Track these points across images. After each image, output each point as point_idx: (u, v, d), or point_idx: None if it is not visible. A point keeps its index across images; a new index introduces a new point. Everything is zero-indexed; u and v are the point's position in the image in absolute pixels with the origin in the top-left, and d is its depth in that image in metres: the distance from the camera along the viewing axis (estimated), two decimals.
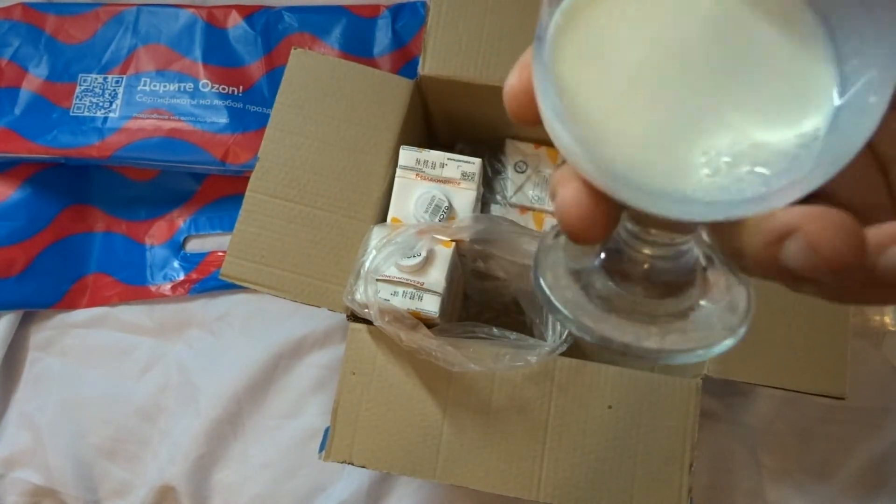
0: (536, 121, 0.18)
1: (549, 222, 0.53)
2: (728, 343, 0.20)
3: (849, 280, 0.16)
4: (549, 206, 0.53)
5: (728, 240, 0.17)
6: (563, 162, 0.18)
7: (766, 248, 0.16)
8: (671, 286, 0.21)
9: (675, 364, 0.21)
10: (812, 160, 0.15)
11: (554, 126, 0.17)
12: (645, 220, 0.19)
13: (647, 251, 0.20)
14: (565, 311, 0.20)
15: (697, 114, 0.16)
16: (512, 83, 0.19)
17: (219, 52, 0.62)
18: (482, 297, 0.56)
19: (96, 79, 0.62)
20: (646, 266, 0.21)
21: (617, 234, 0.20)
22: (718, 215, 0.16)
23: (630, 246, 0.20)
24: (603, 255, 0.22)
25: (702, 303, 0.21)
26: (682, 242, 0.20)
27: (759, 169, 0.15)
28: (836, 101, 0.16)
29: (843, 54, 0.16)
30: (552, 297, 0.21)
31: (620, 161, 0.16)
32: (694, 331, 0.21)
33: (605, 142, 0.16)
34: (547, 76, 0.17)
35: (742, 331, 0.20)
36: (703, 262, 0.22)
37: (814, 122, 0.16)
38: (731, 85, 0.16)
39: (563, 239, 0.23)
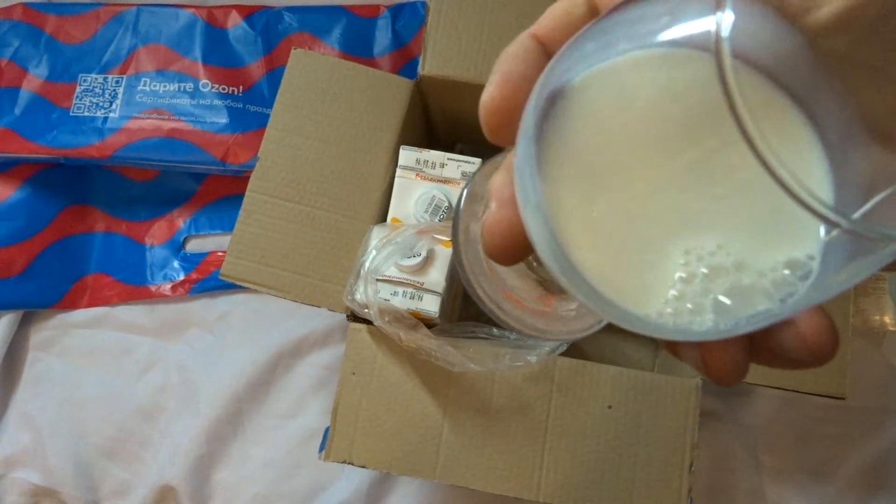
0: (512, 140, 0.17)
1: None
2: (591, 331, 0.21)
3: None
4: None
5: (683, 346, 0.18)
6: (503, 162, 0.18)
7: (670, 347, 0.18)
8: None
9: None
10: (790, 300, 0.14)
11: (522, 162, 0.16)
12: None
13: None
14: (467, 268, 0.21)
15: (677, 225, 0.15)
16: (492, 95, 0.17)
17: (219, 52, 0.62)
18: None
19: (96, 79, 0.62)
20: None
21: None
22: (663, 335, 0.15)
23: None
24: None
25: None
26: None
27: (725, 300, 0.15)
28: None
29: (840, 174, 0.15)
30: (462, 250, 0.21)
31: (579, 250, 0.15)
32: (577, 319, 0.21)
33: (567, 222, 0.15)
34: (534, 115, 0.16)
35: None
36: None
37: (806, 251, 0.14)
38: (718, 200, 0.15)
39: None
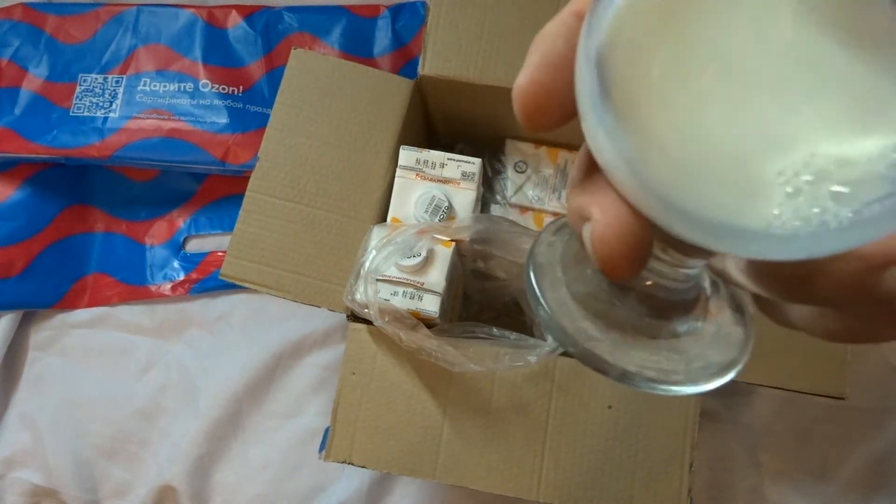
0: (553, 125, 0.16)
1: (549, 222, 0.53)
2: (718, 382, 0.18)
3: None
4: (549, 207, 0.53)
5: (788, 266, 0.15)
6: (588, 172, 0.16)
7: (861, 277, 0.14)
8: (669, 308, 0.19)
9: (653, 393, 0.19)
10: None
11: (598, 137, 0.14)
12: (683, 247, 0.17)
13: (655, 266, 0.18)
14: (547, 309, 0.19)
15: (772, 130, 0.13)
16: (530, 79, 0.16)
17: (219, 52, 0.62)
18: (482, 297, 0.56)
19: (96, 79, 0.62)
20: (648, 283, 0.19)
21: None
22: (800, 253, 0.13)
23: None
24: None
25: (698, 329, 0.20)
26: (694, 265, 0.18)
27: (842, 189, 0.13)
28: None
29: None
30: (538, 292, 0.19)
31: (681, 188, 0.14)
32: (682, 361, 0.19)
33: (663, 162, 0.14)
34: (594, 73, 0.14)
35: (737, 369, 0.18)
36: (708, 289, 0.20)
37: None
38: (808, 96, 0.13)
39: (562, 236, 0.21)
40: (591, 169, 0.16)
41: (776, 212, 0.13)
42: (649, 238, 0.15)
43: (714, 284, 0.20)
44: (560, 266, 0.20)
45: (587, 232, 0.15)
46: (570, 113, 0.16)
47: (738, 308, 0.20)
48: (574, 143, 0.54)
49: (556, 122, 0.16)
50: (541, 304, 0.19)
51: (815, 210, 0.13)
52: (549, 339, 0.42)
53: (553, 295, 0.19)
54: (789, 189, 0.13)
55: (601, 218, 0.15)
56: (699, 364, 0.19)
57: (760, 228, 0.13)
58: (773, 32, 0.14)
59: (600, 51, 0.14)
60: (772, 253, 0.14)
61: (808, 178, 0.13)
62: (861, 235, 0.13)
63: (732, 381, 0.19)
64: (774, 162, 0.13)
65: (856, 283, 0.14)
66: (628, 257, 0.15)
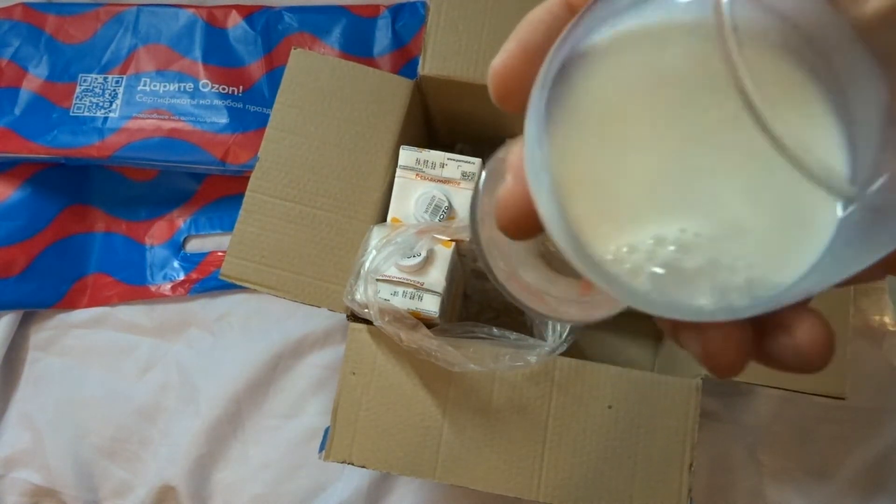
0: (523, 107, 0.17)
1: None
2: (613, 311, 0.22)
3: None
4: None
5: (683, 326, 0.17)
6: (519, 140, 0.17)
7: (677, 333, 0.17)
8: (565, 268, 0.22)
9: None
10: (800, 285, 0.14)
11: (532, 144, 0.16)
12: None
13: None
14: (483, 247, 0.22)
15: (675, 202, 0.15)
16: (504, 63, 0.17)
17: (219, 52, 0.62)
18: (482, 297, 0.56)
19: (96, 79, 0.62)
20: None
21: None
22: (669, 313, 0.15)
23: None
24: None
25: None
26: None
27: (658, 271, 0.15)
28: (840, 213, 0.14)
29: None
30: (479, 228, 0.22)
31: (584, 229, 0.15)
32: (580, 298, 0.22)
33: (573, 202, 0.15)
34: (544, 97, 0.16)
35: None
36: None
37: (816, 247, 0.14)
38: (729, 181, 0.15)
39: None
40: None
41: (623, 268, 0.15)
42: (537, 222, 0.16)
43: None
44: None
45: (499, 189, 0.17)
46: None
47: None
48: None
49: (525, 106, 0.17)
50: (476, 210, 0.22)
51: (681, 283, 0.15)
52: (549, 339, 0.42)
53: (485, 235, 0.22)
54: (629, 255, 0.15)
55: (510, 184, 0.17)
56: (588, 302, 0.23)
57: (629, 285, 0.15)
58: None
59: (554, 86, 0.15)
60: (629, 299, 0.16)
61: (640, 254, 0.15)
62: (705, 316, 0.15)
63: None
64: (681, 220, 0.15)
65: (664, 325, 0.17)
66: (517, 227, 0.17)
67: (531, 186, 0.16)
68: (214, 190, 0.64)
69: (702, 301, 0.15)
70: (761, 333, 0.16)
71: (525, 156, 0.16)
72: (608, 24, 0.15)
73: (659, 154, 0.15)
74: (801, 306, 0.16)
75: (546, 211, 0.16)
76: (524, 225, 0.17)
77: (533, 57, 0.16)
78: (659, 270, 0.15)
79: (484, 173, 0.22)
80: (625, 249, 0.15)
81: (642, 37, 0.15)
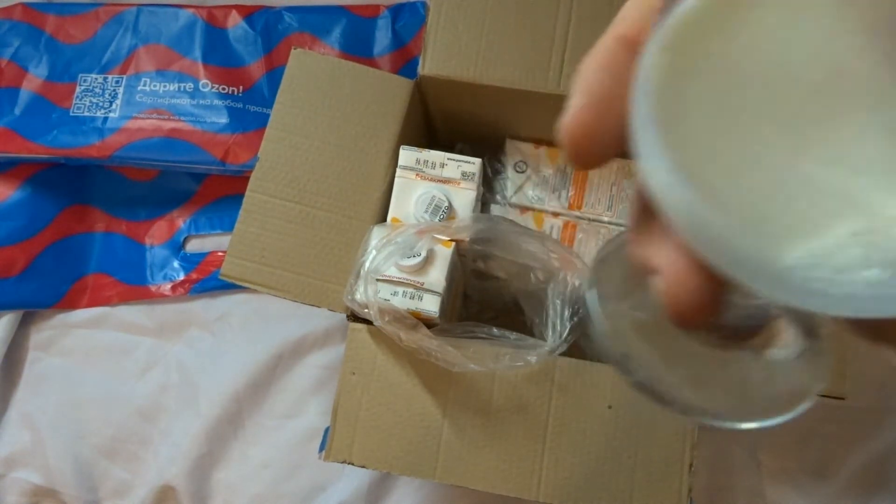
0: (603, 162, 0.16)
1: (549, 222, 0.53)
2: (786, 416, 0.18)
3: None
4: (549, 207, 0.53)
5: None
6: (646, 211, 0.15)
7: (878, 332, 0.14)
8: (734, 335, 0.18)
9: (722, 428, 0.18)
10: None
11: (656, 179, 0.14)
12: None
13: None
14: (608, 335, 0.18)
15: (830, 190, 0.13)
16: (576, 119, 0.15)
17: (219, 52, 0.62)
18: (482, 297, 0.56)
19: (96, 79, 0.62)
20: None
21: None
22: (863, 312, 0.13)
23: None
24: None
25: (765, 356, 0.19)
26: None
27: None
28: None
29: None
30: (597, 320, 0.18)
31: (741, 238, 0.13)
32: (748, 391, 0.18)
33: (720, 211, 0.13)
34: (652, 116, 0.14)
35: (808, 400, 0.17)
36: (776, 312, 0.19)
37: None
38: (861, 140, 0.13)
39: (620, 255, 0.20)
40: (648, 209, 0.15)
41: (830, 270, 0.13)
42: (720, 289, 0.14)
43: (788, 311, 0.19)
44: (616, 289, 0.20)
45: (656, 284, 0.15)
46: (619, 149, 0.15)
47: (810, 330, 0.19)
48: None
49: (606, 159, 0.16)
50: (603, 331, 0.18)
51: (874, 271, 0.13)
52: (549, 339, 0.42)
53: (613, 323, 0.19)
54: (852, 249, 0.13)
55: (669, 274, 0.15)
56: (766, 394, 0.18)
57: (822, 288, 0.13)
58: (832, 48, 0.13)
59: (655, 92, 0.14)
60: (835, 311, 0.13)
61: (862, 243, 0.13)
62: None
63: None
64: (841, 223, 0.13)
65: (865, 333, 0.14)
66: (700, 311, 0.14)
67: (684, 236, 0.14)
68: (214, 190, 0.64)
69: None
70: None
71: (654, 195, 0.14)
72: None
73: (795, 148, 0.13)
74: None
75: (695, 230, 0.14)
76: (597, 156, 0.15)
77: (605, 107, 0.15)
78: (868, 270, 0.13)
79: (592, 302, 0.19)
80: (814, 258, 0.13)
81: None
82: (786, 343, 0.19)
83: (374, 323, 0.40)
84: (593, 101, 0.15)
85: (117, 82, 0.61)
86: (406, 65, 0.64)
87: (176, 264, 0.62)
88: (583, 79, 0.15)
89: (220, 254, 0.63)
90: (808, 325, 0.19)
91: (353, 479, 0.56)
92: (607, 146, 0.15)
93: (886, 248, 0.13)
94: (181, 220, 0.64)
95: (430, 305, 0.42)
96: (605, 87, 0.15)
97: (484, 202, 0.54)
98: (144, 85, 0.61)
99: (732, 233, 0.13)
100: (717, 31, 0.13)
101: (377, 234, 0.43)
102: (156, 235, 0.63)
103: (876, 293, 0.13)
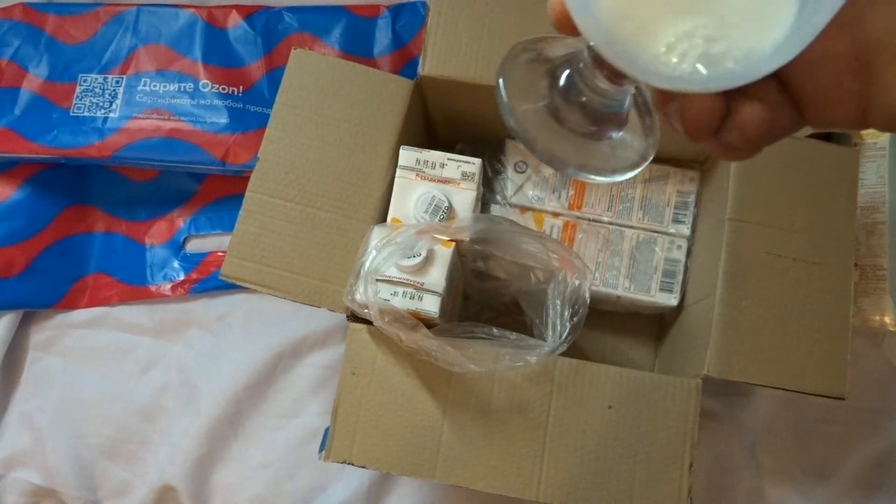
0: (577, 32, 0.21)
1: (549, 222, 0.53)
2: (632, 173, 0.27)
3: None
4: (549, 207, 0.53)
5: (670, 99, 0.23)
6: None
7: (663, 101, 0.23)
8: (604, 119, 0.27)
9: (591, 180, 0.28)
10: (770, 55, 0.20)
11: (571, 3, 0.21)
12: (613, 71, 0.24)
13: (598, 85, 0.25)
14: (504, 93, 0.25)
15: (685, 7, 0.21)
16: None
17: (219, 52, 0.62)
18: (482, 297, 0.57)
19: (96, 79, 0.62)
20: (585, 99, 0.26)
21: (575, 69, 0.26)
22: (677, 86, 0.21)
23: (583, 81, 0.26)
24: (561, 79, 0.27)
25: (622, 134, 0.28)
26: (625, 89, 0.26)
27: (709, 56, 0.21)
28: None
29: None
30: (503, 85, 0.26)
31: (615, 25, 0.21)
32: (611, 158, 0.27)
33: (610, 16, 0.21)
34: None
35: (645, 163, 0.27)
36: (630, 107, 0.27)
37: (782, 29, 0.20)
38: None
39: (524, 56, 0.28)
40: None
41: (667, 57, 0.21)
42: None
43: (635, 103, 0.28)
44: (520, 84, 0.27)
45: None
46: None
47: (649, 120, 0.28)
48: None
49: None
50: (511, 122, 0.26)
51: (680, 59, 0.21)
52: (549, 339, 0.42)
53: (521, 106, 0.26)
54: (679, 44, 0.21)
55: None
56: (622, 158, 0.27)
57: (645, 58, 0.21)
58: None
59: None
60: (640, 74, 0.21)
61: (698, 40, 0.21)
62: (696, 85, 0.21)
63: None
64: (687, 20, 0.21)
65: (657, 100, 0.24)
66: (561, 21, 0.22)
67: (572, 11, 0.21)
68: (214, 190, 0.64)
69: (719, 69, 0.21)
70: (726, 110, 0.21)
71: None
72: None
73: None
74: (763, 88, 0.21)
75: (587, 22, 0.21)
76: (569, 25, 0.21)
77: None
78: (697, 58, 0.21)
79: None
80: (665, 47, 0.21)
81: None
82: (633, 126, 0.28)
83: (374, 323, 0.40)
84: None
85: (117, 82, 0.61)
86: (406, 65, 0.64)
87: (176, 264, 0.62)
88: None
89: (220, 254, 0.63)
90: (646, 111, 0.28)
91: (354, 479, 0.56)
92: None
93: (720, 39, 0.21)
94: (181, 220, 0.64)
95: (430, 306, 0.42)
96: None
97: (484, 202, 0.54)
98: (144, 85, 0.61)
99: (613, 33, 0.21)
100: None
101: (377, 235, 0.43)
102: (156, 235, 0.63)
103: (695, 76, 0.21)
